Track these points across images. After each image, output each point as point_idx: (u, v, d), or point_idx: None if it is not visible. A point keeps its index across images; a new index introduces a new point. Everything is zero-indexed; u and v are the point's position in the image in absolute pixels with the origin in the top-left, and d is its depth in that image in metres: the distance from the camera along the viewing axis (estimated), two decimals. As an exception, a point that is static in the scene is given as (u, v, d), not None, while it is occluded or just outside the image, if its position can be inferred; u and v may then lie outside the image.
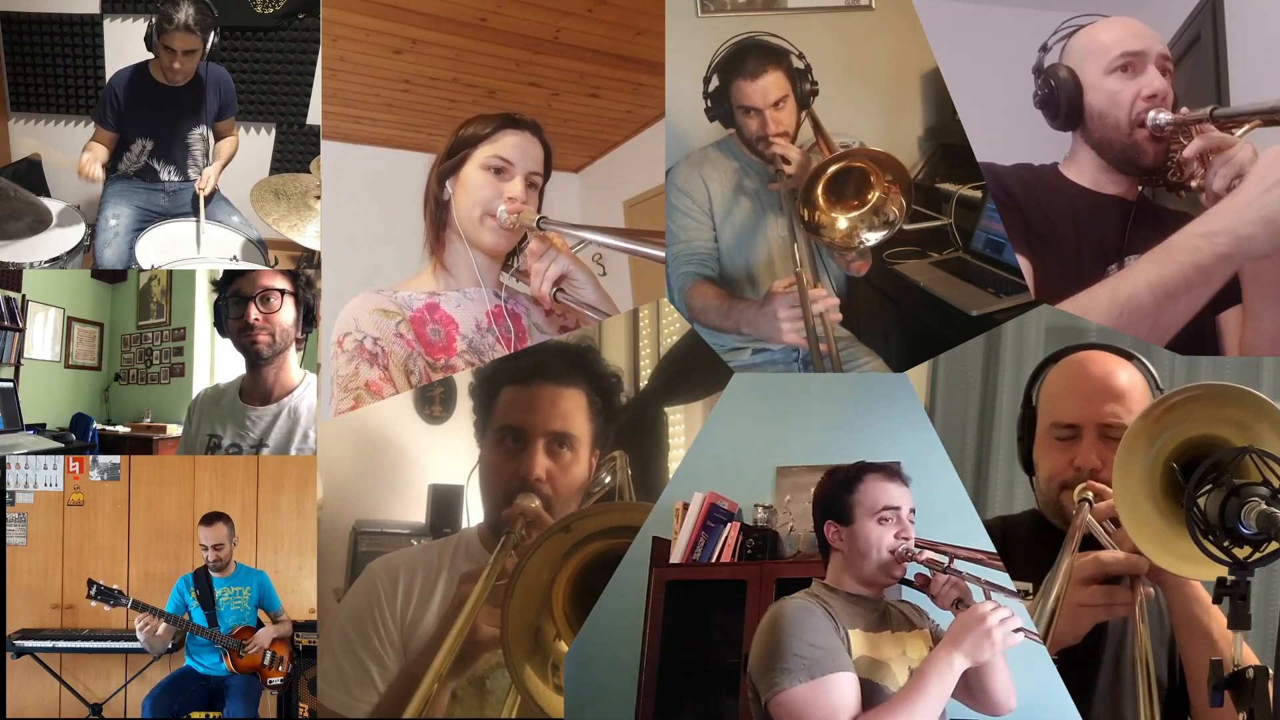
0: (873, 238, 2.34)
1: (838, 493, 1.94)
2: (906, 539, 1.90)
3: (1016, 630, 1.76)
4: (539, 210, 2.30)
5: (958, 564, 1.89)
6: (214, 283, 2.62)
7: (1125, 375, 2.05)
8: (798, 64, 2.37)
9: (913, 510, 1.92)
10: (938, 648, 1.80)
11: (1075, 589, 1.88)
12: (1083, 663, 1.95)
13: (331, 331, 2.29)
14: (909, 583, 1.91)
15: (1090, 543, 1.93)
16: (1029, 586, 2.03)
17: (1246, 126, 2.12)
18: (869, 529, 1.89)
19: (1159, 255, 2.12)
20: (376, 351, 2.22)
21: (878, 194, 2.30)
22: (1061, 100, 2.21)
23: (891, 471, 1.94)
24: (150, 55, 2.78)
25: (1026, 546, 2.09)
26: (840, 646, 1.81)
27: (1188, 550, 1.59)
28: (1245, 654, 1.75)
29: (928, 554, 1.89)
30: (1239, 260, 2.08)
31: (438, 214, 2.31)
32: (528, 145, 2.28)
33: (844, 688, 1.77)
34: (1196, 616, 1.86)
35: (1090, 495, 1.96)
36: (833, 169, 2.27)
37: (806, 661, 1.77)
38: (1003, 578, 1.88)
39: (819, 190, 2.29)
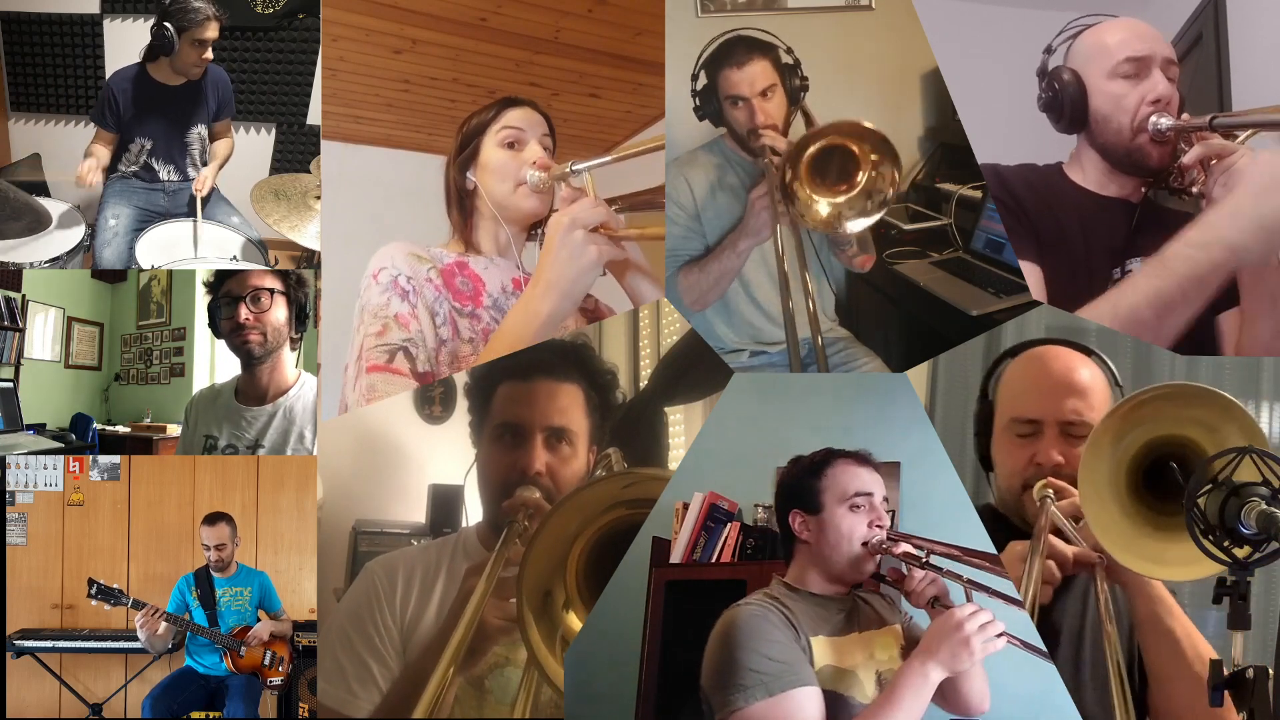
0: (861, 223, 2.29)
1: (804, 479, 1.83)
2: (881, 527, 1.77)
3: (999, 635, 1.64)
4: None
5: (938, 561, 1.78)
6: (206, 284, 2.63)
7: (1086, 372, 2.05)
8: (786, 58, 2.36)
9: (886, 499, 1.81)
10: (911, 657, 1.67)
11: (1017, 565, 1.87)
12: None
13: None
14: (882, 578, 1.80)
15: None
16: None
17: (1247, 133, 2.11)
18: (840, 517, 1.77)
19: (1156, 268, 2.12)
20: (409, 289, 2.24)
21: (866, 173, 2.26)
22: (1066, 104, 2.21)
23: (861, 457, 1.84)
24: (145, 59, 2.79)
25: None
26: (801, 658, 1.69)
27: (1152, 550, 1.59)
28: (1200, 647, 1.77)
29: (904, 547, 1.76)
30: (1234, 267, 2.07)
31: (464, 203, 2.35)
32: (531, 116, 2.34)
33: (806, 704, 1.65)
34: (1159, 616, 1.85)
35: (1050, 493, 1.95)
36: (815, 146, 2.23)
37: (764, 677, 1.65)
38: (989, 577, 1.79)
39: (802, 168, 2.24)
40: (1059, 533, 1.92)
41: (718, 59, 2.37)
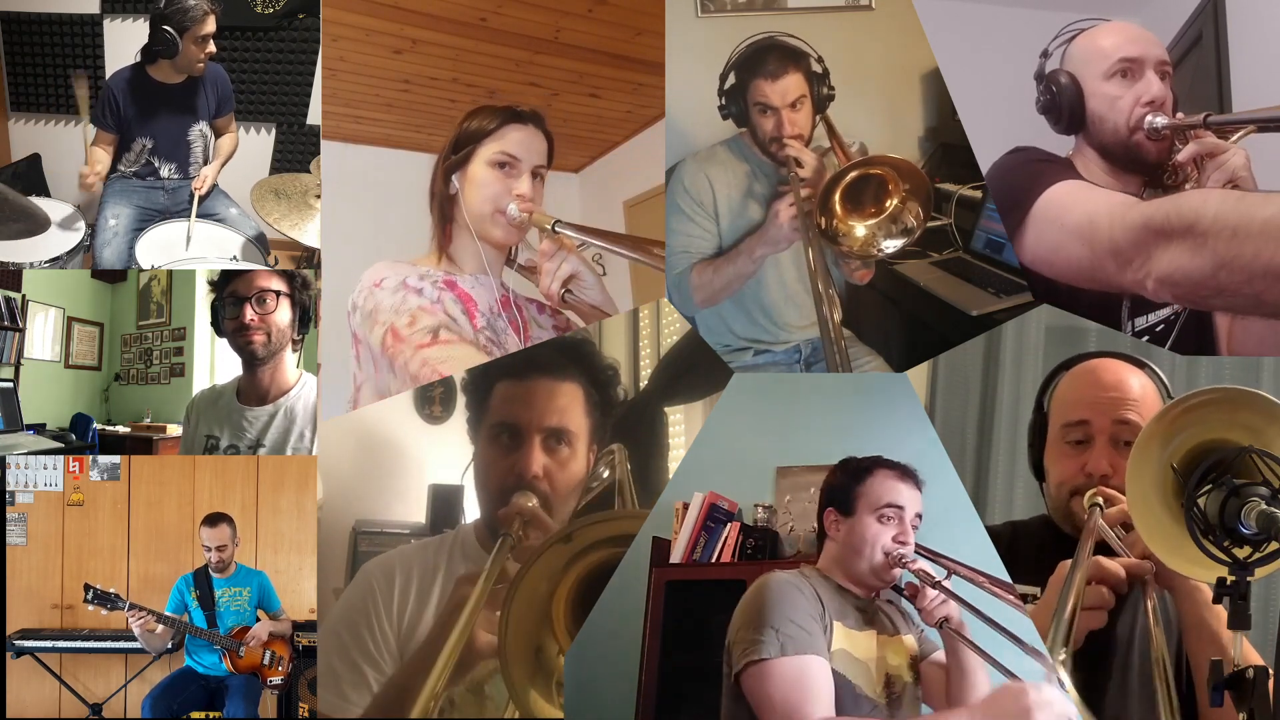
0: (891, 245, 2.33)
1: (846, 481, 1.91)
2: (904, 543, 1.85)
3: None
4: (541, 202, 2.31)
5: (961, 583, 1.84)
6: (211, 282, 2.63)
7: (1137, 382, 2.06)
8: (816, 68, 2.38)
9: (919, 515, 1.88)
10: (959, 711, 1.73)
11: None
12: (1091, 667, 1.93)
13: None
14: (899, 590, 1.86)
15: (1101, 548, 1.91)
16: (1036, 591, 2.02)
17: (1241, 132, 2.13)
18: (867, 524, 1.85)
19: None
20: (421, 287, 2.23)
21: (895, 201, 2.29)
22: (1063, 106, 2.22)
23: (905, 471, 1.92)
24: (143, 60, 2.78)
25: (1035, 552, 2.08)
26: (820, 633, 1.76)
27: (1199, 553, 1.58)
28: (1247, 652, 1.76)
29: (921, 564, 1.83)
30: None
31: (444, 209, 2.32)
32: (532, 140, 2.30)
33: (818, 671, 1.72)
34: (1206, 621, 1.84)
35: (1100, 501, 1.95)
36: (851, 176, 2.27)
37: (783, 637, 1.73)
38: (1002, 608, 1.81)
39: (836, 197, 2.28)
40: (1104, 545, 1.91)
41: (750, 64, 2.36)
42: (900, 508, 1.86)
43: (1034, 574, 2.01)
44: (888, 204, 2.30)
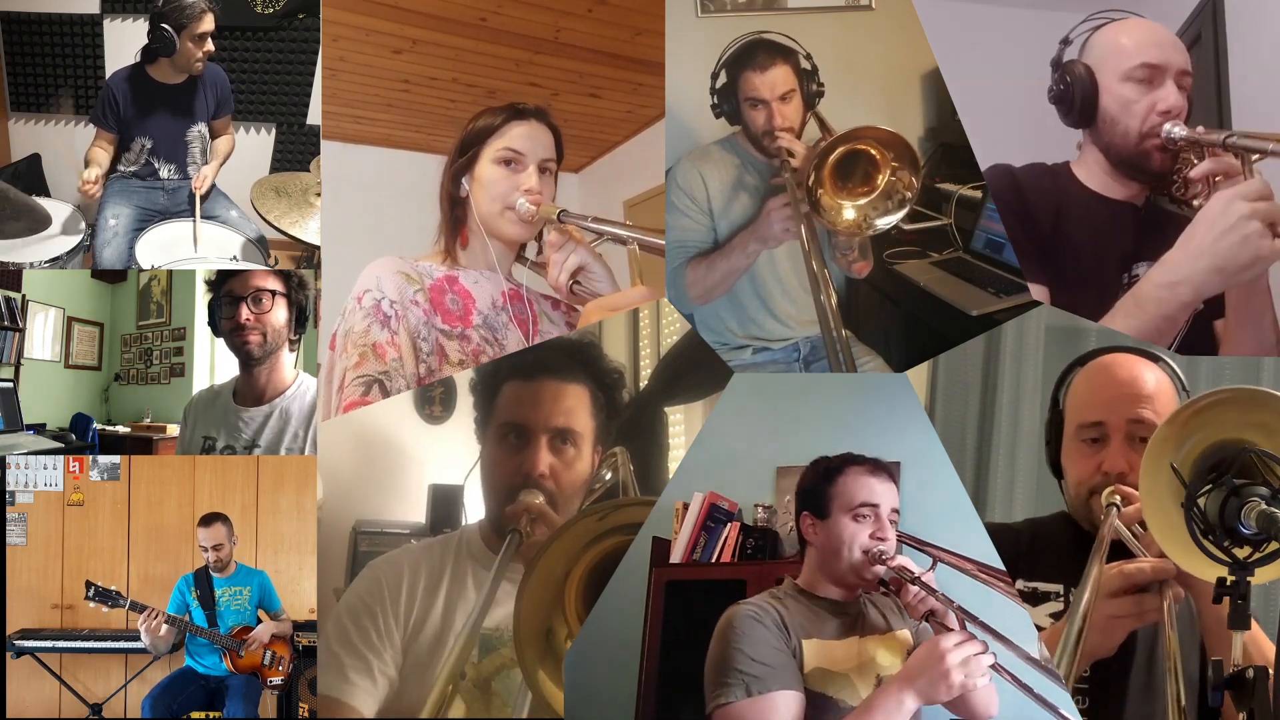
0: (886, 221, 2.33)
1: (817, 484, 1.91)
2: (882, 539, 1.84)
3: (984, 669, 1.67)
4: (552, 196, 2.30)
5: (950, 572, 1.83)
6: (208, 282, 2.63)
7: (1152, 377, 2.05)
8: (805, 64, 2.39)
9: (895, 510, 1.87)
10: (890, 680, 1.73)
11: (1105, 602, 1.85)
12: (1114, 667, 1.93)
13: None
14: (884, 586, 1.85)
15: (1120, 545, 1.91)
16: (1059, 588, 2.03)
17: (1257, 157, 2.07)
18: (843, 525, 1.85)
19: (1131, 308, 2.15)
20: (390, 315, 2.20)
21: (885, 176, 2.30)
22: (1076, 98, 2.19)
23: (877, 466, 1.90)
24: (143, 60, 2.79)
25: (1056, 550, 2.08)
26: (788, 661, 1.77)
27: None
28: (1264, 646, 1.76)
29: (899, 561, 1.82)
30: (1198, 302, 2.12)
31: (454, 212, 2.31)
32: (536, 133, 2.28)
33: (784, 707, 1.74)
34: (1224, 620, 1.85)
35: (1118, 500, 1.94)
36: (838, 151, 2.27)
37: (746, 677, 1.75)
38: (996, 597, 1.81)
39: (825, 175, 2.28)
40: (1124, 548, 1.90)
41: (740, 60, 2.38)
42: (875, 505, 1.85)
43: (1054, 572, 2.02)
44: (878, 180, 2.30)
